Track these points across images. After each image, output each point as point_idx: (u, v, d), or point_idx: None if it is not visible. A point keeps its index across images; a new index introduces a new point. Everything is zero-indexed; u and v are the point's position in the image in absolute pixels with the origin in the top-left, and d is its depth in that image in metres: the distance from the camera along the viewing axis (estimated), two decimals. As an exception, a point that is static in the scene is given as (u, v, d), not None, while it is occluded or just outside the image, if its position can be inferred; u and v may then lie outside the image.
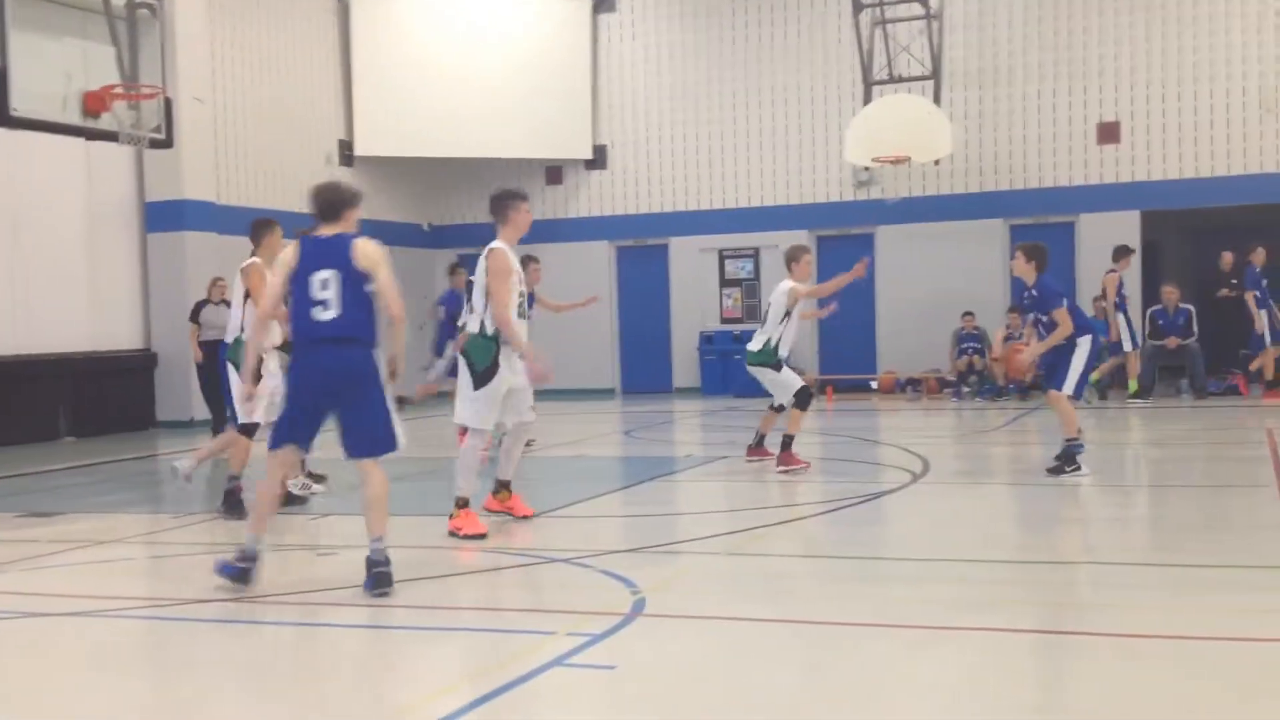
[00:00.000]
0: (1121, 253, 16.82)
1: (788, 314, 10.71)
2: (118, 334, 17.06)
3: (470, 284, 8.48)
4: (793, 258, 10.92)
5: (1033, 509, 9.05)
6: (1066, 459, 9.68)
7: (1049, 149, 19.46)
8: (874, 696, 4.58)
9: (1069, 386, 9.73)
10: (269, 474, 6.59)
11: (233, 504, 8.90)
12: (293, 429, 6.43)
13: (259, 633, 5.74)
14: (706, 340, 21.01)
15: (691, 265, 21.37)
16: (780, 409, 10.88)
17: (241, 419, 8.81)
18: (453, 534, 7.83)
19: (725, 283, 21.31)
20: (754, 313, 20.94)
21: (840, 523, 8.38)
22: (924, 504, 9.02)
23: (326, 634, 5.71)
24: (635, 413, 17.46)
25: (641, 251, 21.62)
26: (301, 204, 21.03)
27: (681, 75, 21.26)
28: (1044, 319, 9.88)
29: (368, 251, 6.39)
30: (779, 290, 10.82)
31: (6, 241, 15.46)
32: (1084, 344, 9.77)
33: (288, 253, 6.55)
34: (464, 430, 8.33)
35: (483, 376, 7.90)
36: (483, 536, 7.75)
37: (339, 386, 6.34)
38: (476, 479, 8.03)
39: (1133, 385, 16.78)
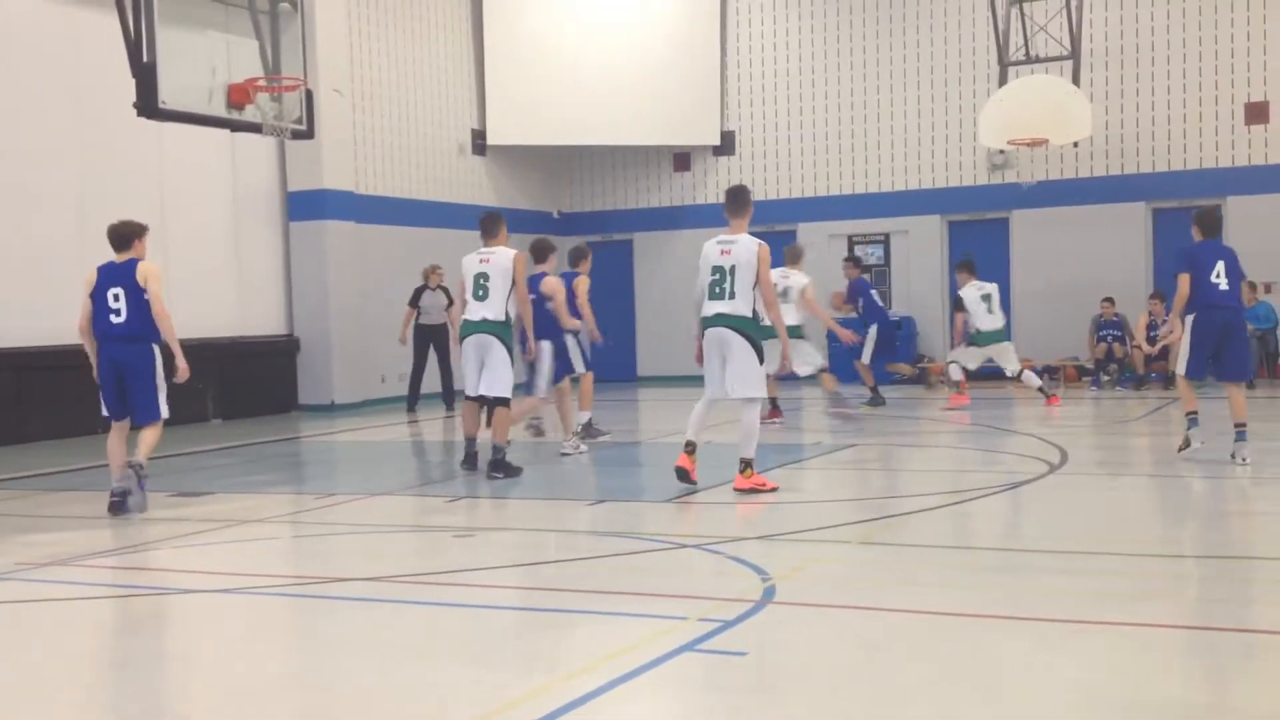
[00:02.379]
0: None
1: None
2: (262, 320, 17.60)
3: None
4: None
5: (1176, 502, 8.79)
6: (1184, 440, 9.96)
7: (1194, 130, 18.80)
8: (1009, 690, 4.51)
9: (1180, 365, 9.93)
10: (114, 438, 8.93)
11: (504, 467, 10.05)
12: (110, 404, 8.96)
13: (398, 612, 5.89)
14: (836, 326, 20.77)
15: (820, 251, 21.18)
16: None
17: (505, 392, 10.09)
18: (742, 490, 8.68)
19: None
20: (884, 299, 20.68)
21: (975, 513, 8.25)
22: (1062, 495, 8.82)
23: (462, 614, 5.82)
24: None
25: (770, 238, 21.41)
26: (436, 193, 21.48)
27: (810, 58, 21.07)
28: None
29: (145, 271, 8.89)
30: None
31: (156, 230, 15.93)
32: (1186, 322, 9.82)
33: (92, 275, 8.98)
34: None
35: (761, 354, 8.89)
36: (774, 489, 8.81)
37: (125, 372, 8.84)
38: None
39: None
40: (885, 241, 20.76)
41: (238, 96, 11.95)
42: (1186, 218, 19.49)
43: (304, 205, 17.61)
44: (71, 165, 14.93)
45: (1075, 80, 18.29)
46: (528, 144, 21.26)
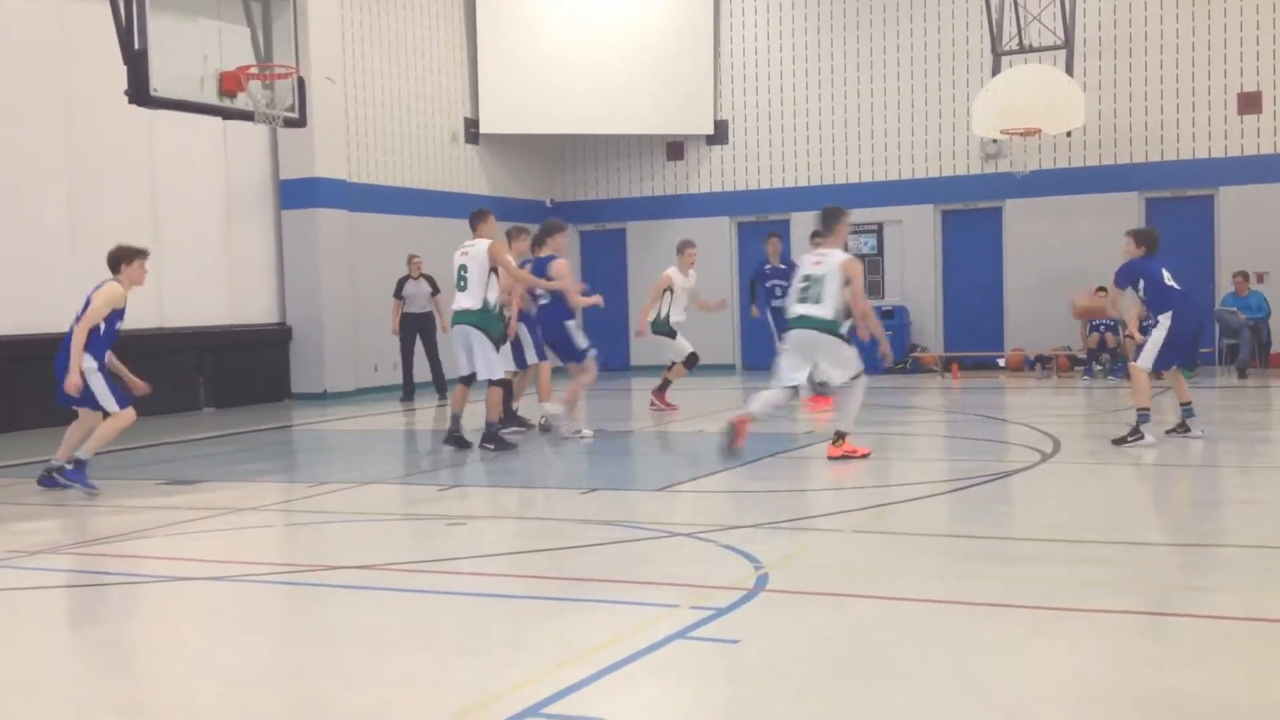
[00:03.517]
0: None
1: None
2: (254, 308, 17.58)
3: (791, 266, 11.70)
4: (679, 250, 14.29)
5: (1167, 491, 8.81)
6: (1132, 430, 10.20)
7: (1186, 120, 18.82)
8: (1002, 679, 4.52)
9: (1144, 360, 10.41)
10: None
11: (495, 439, 10.87)
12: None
13: (389, 600, 5.88)
14: (829, 316, 20.81)
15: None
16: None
17: (493, 374, 10.91)
18: (835, 458, 9.56)
19: (848, 258, 21.07)
20: (876, 289, 20.72)
21: (966, 501, 8.27)
22: (1054, 484, 8.84)
23: (454, 603, 5.83)
24: (755, 389, 17.37)
25: (763, 227, 21.47)
26: (428, 181, 21.50)
27: (804, 47, 21.06)
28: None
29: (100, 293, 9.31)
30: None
31: (148, 218, 16.01)
32: (1164, 320, 10.26)
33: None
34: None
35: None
36: (865, 456, 9.67)
37: None
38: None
39: None
40: (878, 231, 20.77)
41: (230, 84, 11.89)
42: (1179, 208, 19.63)
43: (296, 194, 17.58)
44: (62, 154, 14.87)
45: (1069, 70, 18.30)
46: (521, 132, 21.23)
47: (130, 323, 15.84)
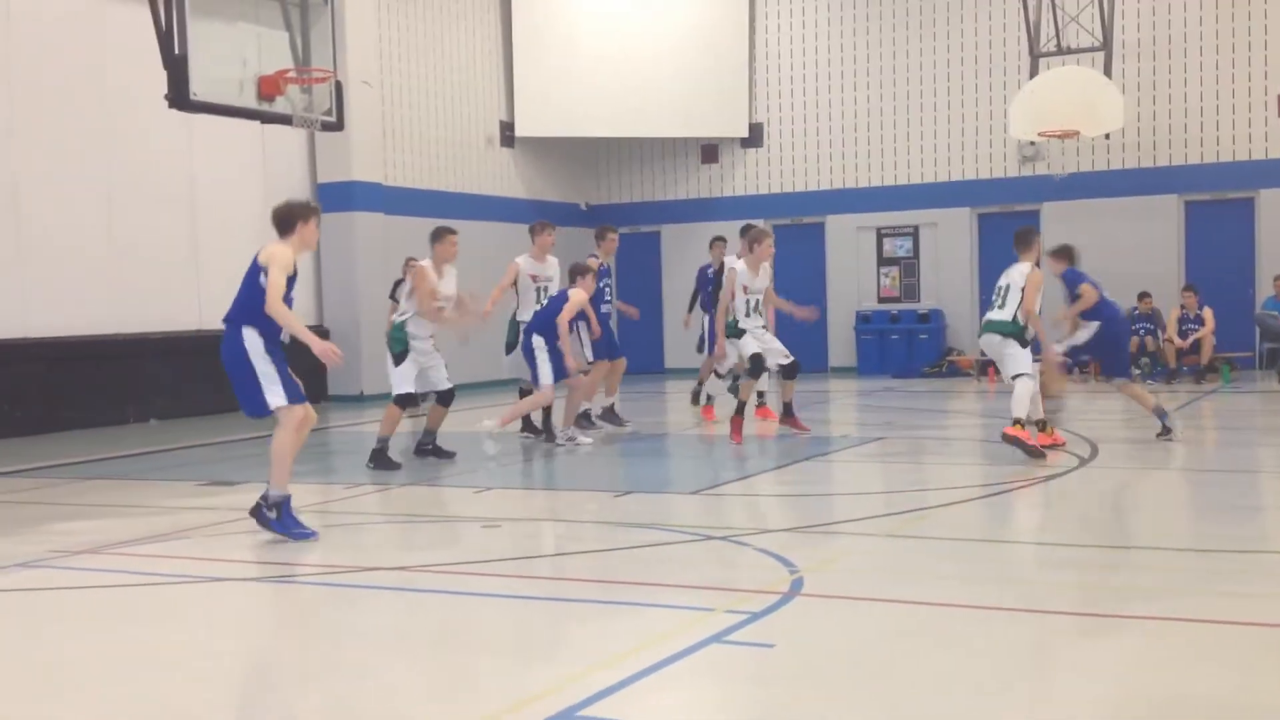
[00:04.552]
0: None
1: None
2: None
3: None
4: (755, 240, 11.55)
5: (1205, 497, 8.72)
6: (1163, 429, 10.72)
7: (1226, 121, 18.63)
8: (1038, 685, 4.49)
9: (1117, 369, 11.14)
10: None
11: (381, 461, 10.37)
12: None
13: (424, 601, 5.91)
14: (863, 319, 20.77)
15: (849, 243, 21.13)
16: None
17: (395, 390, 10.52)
18: (1008, 436, 9.77)
19: (883, 261, 21.03)
20: (912, 291, 20.64)
21: (1004, 506, 8.22)
22: (1091, 489, 8.77)
23: (490, 605, 5.84)
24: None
25: (798, 230, 21.45)
26: (464, 185, 21.51)
27: (838, 50, 21.00)
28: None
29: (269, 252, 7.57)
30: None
31: (187, 221, 16.17)
32: (1093, 327, 11.01)
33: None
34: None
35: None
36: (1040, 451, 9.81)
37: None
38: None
39: None
40: (914, 234, 20.68)
41: (268, 88, 12.00)
42: (1219, 210, 19.45)
43: (333, 197, 17.68)
44: (101, 157, 15.04)
45: (1107, 71, 18.16)
46: (556, 136, 21.28)
47: (169, 325, 16.18)
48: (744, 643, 4.94)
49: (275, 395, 7.26)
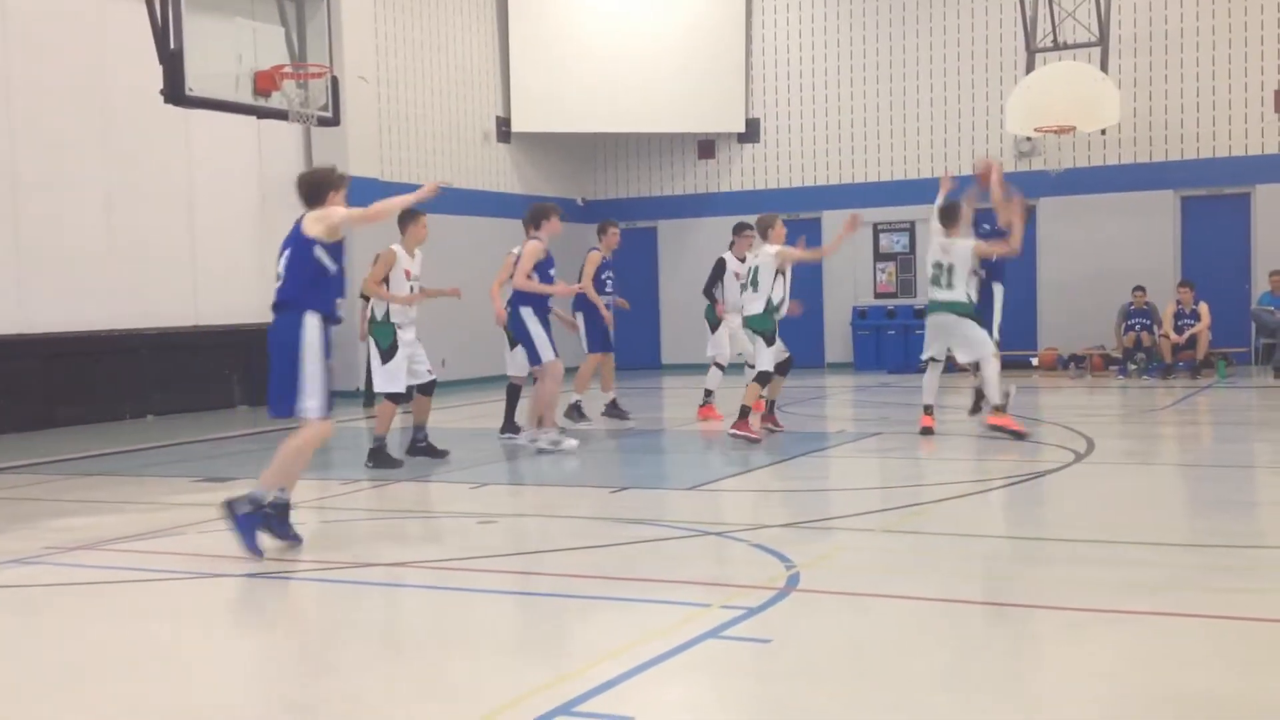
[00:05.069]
0: None
1: (779, 274, 11.37)
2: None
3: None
4: (769, 224, 11.46)
5: (1202, 492, 8.73)
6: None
7: (1223, 117, 18.64)
8: (1035, 680, 4.49)
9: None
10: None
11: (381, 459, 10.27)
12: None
13: (421, 597, 5.91)
14: (860, 315, 20.78)
15: (845, 239, 21.07)
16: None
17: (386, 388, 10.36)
18: (992, 425, 10.54)
19: (879, 257, 21.03)
20: (909, 287, 20.64)
21: (999, 502, 8.23)
22: (1088, 484, 8.77)
23: (485, 600, 5.84)
24: (787, 388, 17.24)
25: (794, 226, 21.28)
26: (461, 180, 21.45)
27: (835, 45, 20.99)
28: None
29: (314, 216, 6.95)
30: (765, 254, 11.27)
31: (183, 218, 16.15)
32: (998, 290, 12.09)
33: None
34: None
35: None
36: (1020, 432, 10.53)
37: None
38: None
39: None
40: (910, 229, 20.68)
41: (264, 84, 11.99)
42: (1215, 206, 19.48)
43: (329, 192, 17.64)
44: (98, 153, 15.01)
45: (1103, 67, 18.16)
46: (552, 131, 21.27)
47: (165, 321, 16.15)
48: (741, 638, 4.95)
49: (313, 403, 6.92)
